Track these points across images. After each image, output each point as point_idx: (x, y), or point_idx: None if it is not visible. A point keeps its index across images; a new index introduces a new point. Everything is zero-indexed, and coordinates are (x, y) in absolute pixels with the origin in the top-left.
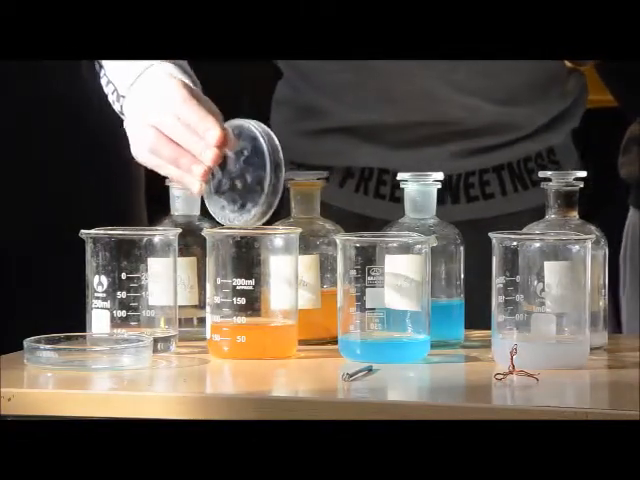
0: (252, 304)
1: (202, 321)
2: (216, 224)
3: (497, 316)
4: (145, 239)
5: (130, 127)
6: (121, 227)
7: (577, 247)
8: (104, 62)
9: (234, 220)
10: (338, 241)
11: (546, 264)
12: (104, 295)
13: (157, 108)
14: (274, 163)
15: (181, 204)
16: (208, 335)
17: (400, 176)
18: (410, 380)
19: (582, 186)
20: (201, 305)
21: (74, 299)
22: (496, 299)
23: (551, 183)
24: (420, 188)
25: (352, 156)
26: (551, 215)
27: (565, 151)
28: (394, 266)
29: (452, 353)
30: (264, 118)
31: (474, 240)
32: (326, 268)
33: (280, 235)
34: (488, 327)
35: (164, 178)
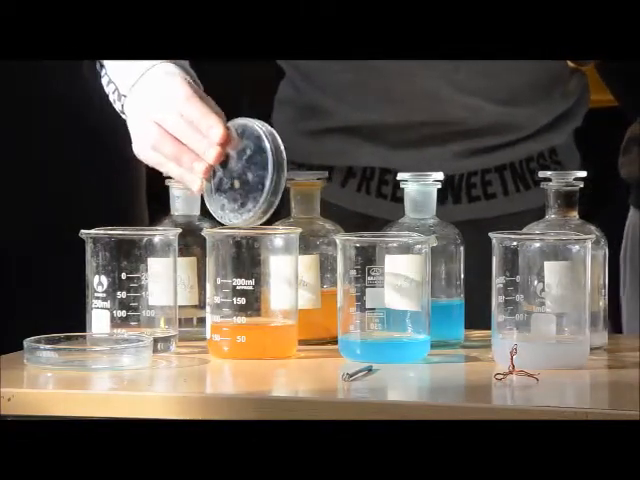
0: (252, 304)
1: (202, 321)
2: (216, 224)
3: (497, 316)
4: (145, 239)
5: (132, 124)
6: (121, 227)
7: (577, 247)
8: (105, 62)
9: (234, 219)
10: (338, 241)
11: (546, 264)
12: (104, 295)
13: (160, 105)
14: (277, 162)
15: (181, 204)
16: (208, 335)
17: (400, 176)
18: (410, 380)
19: (582, 186)
20: (201, 305)
21: (74, 299)
22: (496, 299)
23: (551, 183)
24: (420, 188)
25: (354, 156)
26: (551, 215)
27: (567, 151)
28: (394, 266)
29: (452, 353)
30: (265, 118)
31: (476, 240)
32: (326, 268)
33: (280, 235)
34: (488, 327)
35: (165, 178)
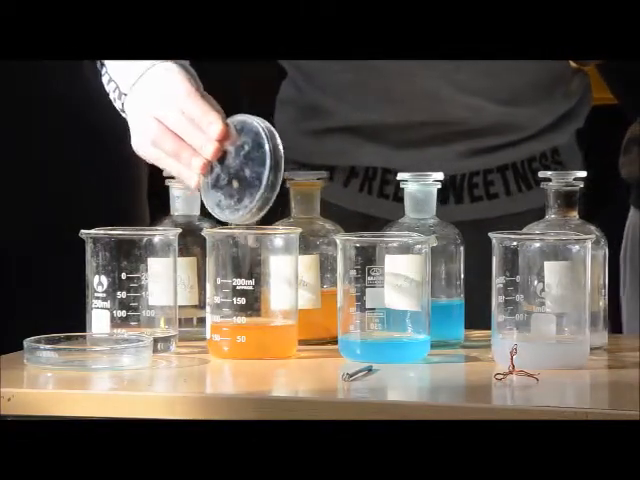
0: (252, 304)
1: (202, 321)
2: (216, 224)
3: (497, 316)
4: (145, 239)
5: (133, 120)
6: (121, 227)
7: (577, 247)
8: (106, 60)
9: (230, 215)
10: (338, 241)
11: (546, 264)
12: (104, 295)
13: (161, 101)
14: (274, 159)
15: (181, 204)
16: (208, 335)
17: (400, 176)
18: (410, 380)
19: (582, 186)
20: (201, 305)
21: (74, 299)
22: (496, 299)
23: (551, 183)
24: (420, 188)
25: (356, 156)
26: (551, 215)
27: (569, 151)
28: (394, 266)
29: (452, 353)
30: (266, 118)
31: (478, 240)
32: (326, 268)
33: (280, 235)
34: (488, 327)
35: (165, 178)
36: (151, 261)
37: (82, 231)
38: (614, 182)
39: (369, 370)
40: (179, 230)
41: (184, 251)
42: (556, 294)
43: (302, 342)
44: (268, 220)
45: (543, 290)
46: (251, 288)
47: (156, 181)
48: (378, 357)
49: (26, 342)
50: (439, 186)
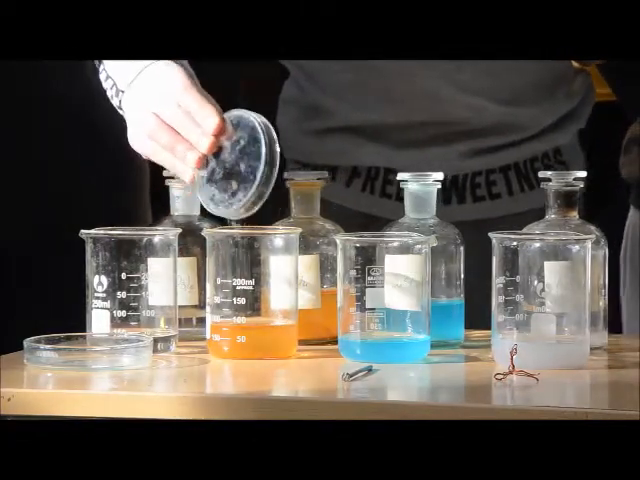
0: (252, 304)
1: (202, 321)
2: (216, 224)
3: (497, 316)
4: (145, 239)
5: (130, 115)
6: (121, 227)
7: (577, 247)
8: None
9: (223, 209)
10: (338, 241)
11: (546, 264)
12: (104, 295)
13: (158, 95)
14: (270, 154)
15: (181, 204)
16: (208, 335)
17: (400, 176)
18: (410, 380)
19: (582, 186)
20: (201, 305)
21: (74, 299)
22: (496, 299)
23: (551, 183)
24: (420, 188)
25: (358, 155)
26: (551, 215)
27: (572, 151)
28: (394, 266)
29: (452, 353)
30: (267, 118)
31: (481, 240)
32: (326, 268)
33: (280, 235)
34: (488, 327)
35: (165, 178)
36: (151, 261)
37: (82, 231)
38: (614, 182)
39: (369, 370)
40: (179, 230)
41: (184, 251)
42: (556, 294)
43: (302, 342)
44: (268, 220)
45: (543, 290)
46: (251, 288)
47: (159, 182)
48: (378, 357)
49: (26, 342)
50: (439, 186)
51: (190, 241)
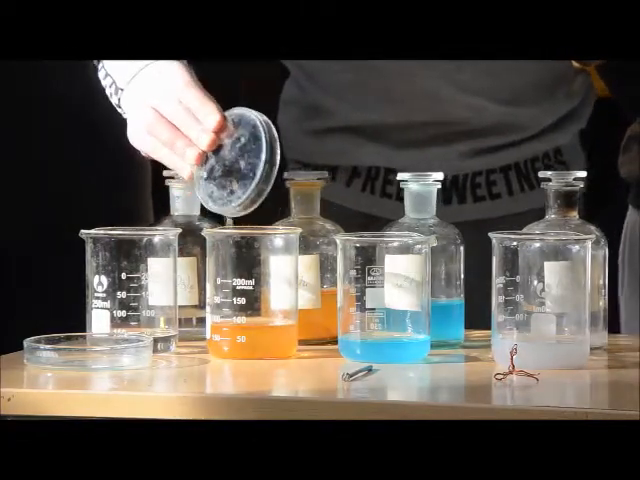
0: (252, 304)
1: (202, 321)
2: (216, 224)
3: (497, 316)
4: (145, 239)
5: (129, 112)
6: (121, 227)
7: (577, 247)
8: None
9: (222, 206)
10: (338, 241)
11: (546, 264)
12: (104, 295)
13: (159, 91)
14: (270, 152)
15: (181, 204)
16: (208, 335)
17: (400, 176)
18: (410, 380)
19: (582, 186)
20: (201, 305)
21: (74, 299)
22: (496, 299)
23: (551, 183)
24: (420, 188)
25: (359, 155)
26: (551, 215)
27: (572, 151)
28: (394, 266)
29: (452, 353)
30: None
31: (481, 240)
32: (326, 268)
33: (280, 235)
34: (488, 327)
35: (165, 178)
36: (151, 261)
37: (82, 231)
38: (614, 182)
39: (369, 370)
40: (179, 230)
41: (184, 251)
42: (556, 294)
43: (302, 342)
44: (268, 220)
45: (543, 290)
46: (251, 288)
47: (161, 181)
48: (378, 357)
49: (26, 342)
50: (439, 186)
51: (190, 241)
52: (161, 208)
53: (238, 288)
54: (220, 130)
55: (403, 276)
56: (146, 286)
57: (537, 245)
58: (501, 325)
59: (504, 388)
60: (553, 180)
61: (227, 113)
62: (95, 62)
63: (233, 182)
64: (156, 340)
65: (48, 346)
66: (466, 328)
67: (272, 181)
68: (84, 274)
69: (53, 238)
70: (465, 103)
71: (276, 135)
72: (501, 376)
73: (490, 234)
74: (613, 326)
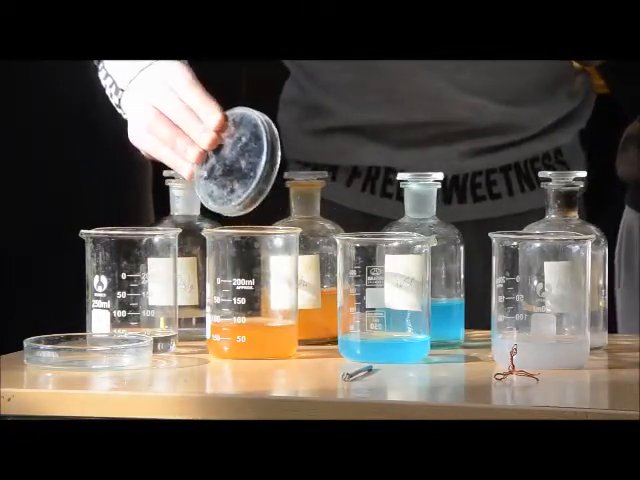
0: (252, 304)
1: (202, 321)
2: (216, 224)
3: (497, 316)
4: (145, 239)
5: (130, 111)
6: (121, 227)
7: (577, 247)
8: None
9: (222, 206)
10: (338, 241)
11: (546, 264)
12: (104, 295)
13: (160, 90)
14: (271, 151)
15: (181, 204)
16: (208, 335)
17: (400, 176)
18: (410, 380)
19: (582, 186)
20: (201, 305)
21: (74, 299)
22: (496, 299)
23: (551, 183)
24: (420, 188)
25: (359, 155)
26: (551, 215)
27: (573, 151)
28: (394, 266)
29: (452, 353)
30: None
31: (481, 240)
32: (326, 268)
33: (280, 235)
34: (488, 327)
35: (165, 178)
36: (151, 261)
37: (82, 231)
38: (614, 182)
39: (369, 370)
40: (179, 230)
41: (184, 251)
42: (556, 294)
43: (302, 342)
44: (268, 220)
45: (543, 290)
46: (251, 288)
47: (161, 181)
48: (378, 357)
49: (26, 342)
50: (439, 186)
51: (190, 241)
52: (161, 208)
53: (238, 288)
54: (221, 129)
55: (403, 276)
56: (146, 286)
57: (537, 245)
58: (501, 325)
59: (504, 388)
60: (553, 180)
61: (228, 112)
62: (95, 62)
63: (233, 181)
64: (156, 340)
65: (48, 346)
66: (466, 328)
67: (272, 181)
68: (84, 274)
69: (53, 238)
70: (465, 103)
71: (277, 135)
72: (501, 376)
73: (490, 234)
74: (611, 326)
